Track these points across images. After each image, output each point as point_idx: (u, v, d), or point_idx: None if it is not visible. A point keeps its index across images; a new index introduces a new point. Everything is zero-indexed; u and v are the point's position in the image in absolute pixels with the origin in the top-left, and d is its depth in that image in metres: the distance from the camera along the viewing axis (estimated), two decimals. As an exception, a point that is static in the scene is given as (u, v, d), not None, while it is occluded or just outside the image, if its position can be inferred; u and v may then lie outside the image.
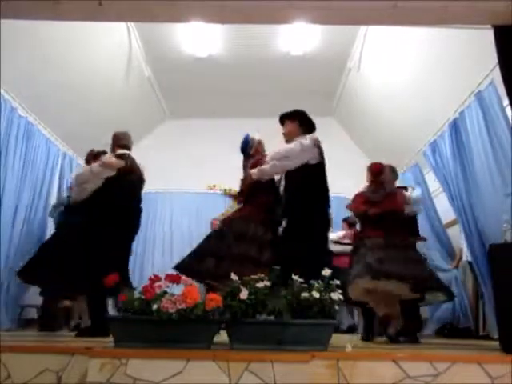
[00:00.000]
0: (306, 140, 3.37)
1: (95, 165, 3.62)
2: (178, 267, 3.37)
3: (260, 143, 3.80)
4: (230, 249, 3.36)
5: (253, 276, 2.45)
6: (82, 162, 6.03)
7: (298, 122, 3.52)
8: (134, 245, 4.23)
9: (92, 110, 6.42)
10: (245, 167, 3.74)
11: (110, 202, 3.54)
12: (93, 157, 4.13)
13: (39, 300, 4.41)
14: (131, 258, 7.07)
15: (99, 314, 3.19)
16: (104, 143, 4.00)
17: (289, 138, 3.51)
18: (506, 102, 3.25)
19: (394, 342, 3.54)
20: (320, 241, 3.36)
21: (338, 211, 6.68)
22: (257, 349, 2.28)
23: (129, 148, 3.84)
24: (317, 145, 3.40)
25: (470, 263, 5.24)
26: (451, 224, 5.46)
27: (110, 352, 2.18)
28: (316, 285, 2.44)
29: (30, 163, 4.65)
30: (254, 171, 3.51)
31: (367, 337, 3.94)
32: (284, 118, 3.59)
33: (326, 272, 2.50)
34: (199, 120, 7.96)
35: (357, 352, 2.40)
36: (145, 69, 6.64)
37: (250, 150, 3.76)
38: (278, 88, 7.08)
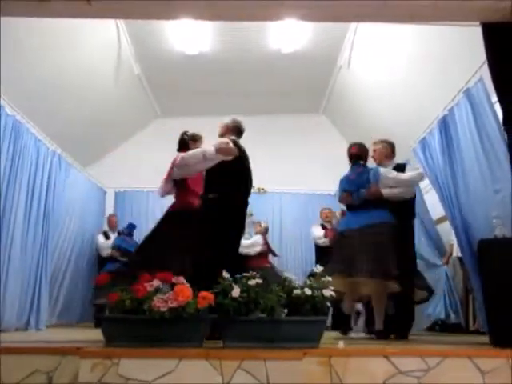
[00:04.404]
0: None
1: (210, 150, 3.30)
2: None
3: None
4: None
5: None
6: (70, 160, 6.01)
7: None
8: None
9: (81, 108, 6.36)
10: None
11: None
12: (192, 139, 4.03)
13: None
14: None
15: None
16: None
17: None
18: (494, 98, 3.27)
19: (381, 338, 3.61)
20: None
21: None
22: (249, 347, 2.28)
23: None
24: None
25: (460, 259, 5.30)
26: (442, 220, 5.51)
27: (101, 352, 2.16)
28: (308, 282, 2.45)
29: (20, 161, 4.59)
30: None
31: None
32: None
33: (318, 269, 2.52)
34: (190, 118, 7.91)
35: (349, 348, 2.41)
36: (134, 66, 6.59)
37: None
38: (269, 85, 7.08)
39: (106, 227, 7.04)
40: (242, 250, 6.12)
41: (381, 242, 3.68)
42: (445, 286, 5.59)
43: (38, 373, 2.21)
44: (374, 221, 3.82)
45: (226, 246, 3.18)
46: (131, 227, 6.67)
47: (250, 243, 6.31)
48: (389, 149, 4.21)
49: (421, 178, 4.05)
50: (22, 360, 2.24)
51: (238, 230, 3.39)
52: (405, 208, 4.01)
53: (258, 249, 6.39)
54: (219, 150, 3.26)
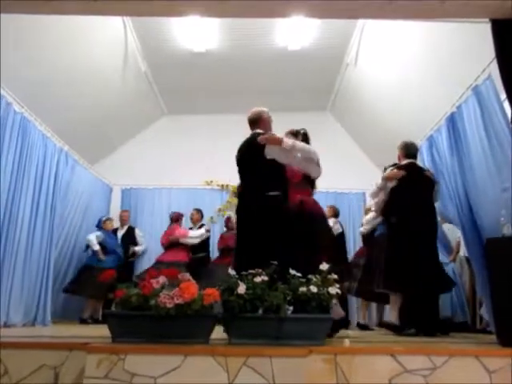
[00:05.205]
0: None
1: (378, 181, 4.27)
2: None
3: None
4: None
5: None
6: (77, 157, 6.04)
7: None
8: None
9: (87, 105, 6.39)
10: None
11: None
12: None
13: None
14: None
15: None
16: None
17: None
18: (503, 96, 3.24)
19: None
20: None
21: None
22: (255, 344, 2.28)
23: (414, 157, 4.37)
24: None
25: (467, 258, 5.26)
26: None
27: (107, 348, 2.18)
28: (314, 279, 2.45)
29: (27, 158, 4.63)
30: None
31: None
32: None
33: (324, 266, 2.51)
34: (196, 116, 7.93)
35: (354, 346, 2.40)
36: (141, 64, 6.60)
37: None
38: (276, 83, 7.05)
39: (117, 223, 7.02)
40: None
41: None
42: (452, 283, 5.55)
43: (45, 367, 2.23)
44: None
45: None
46: (97, 222, 6.62)
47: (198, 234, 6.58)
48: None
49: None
50: (29, 355, 2.26)
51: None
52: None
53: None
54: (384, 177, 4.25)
